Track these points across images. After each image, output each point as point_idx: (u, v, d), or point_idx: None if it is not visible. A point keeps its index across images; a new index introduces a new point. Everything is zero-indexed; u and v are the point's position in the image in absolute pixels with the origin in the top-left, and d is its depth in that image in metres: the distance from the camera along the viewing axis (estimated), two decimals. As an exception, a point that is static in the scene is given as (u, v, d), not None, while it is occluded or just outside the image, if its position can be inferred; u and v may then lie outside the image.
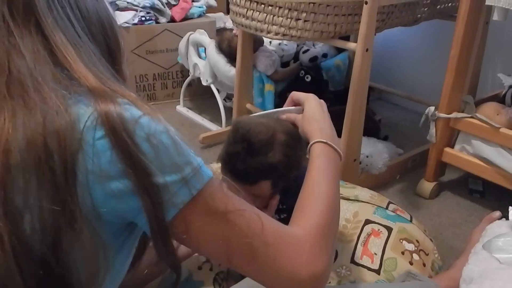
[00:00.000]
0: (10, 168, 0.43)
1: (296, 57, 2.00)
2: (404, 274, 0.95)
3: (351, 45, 1.29)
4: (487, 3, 1.14)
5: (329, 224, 0.59)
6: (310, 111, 0.77)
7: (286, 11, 1.24)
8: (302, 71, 1.88)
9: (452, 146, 1.40)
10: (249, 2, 1.30)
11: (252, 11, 1.31)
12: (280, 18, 1.26)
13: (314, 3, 1.21)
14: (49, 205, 0.43)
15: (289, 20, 1.25)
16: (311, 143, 0.73)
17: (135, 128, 0.46)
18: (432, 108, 1.36)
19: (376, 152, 1.49)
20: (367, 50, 1.24)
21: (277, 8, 1.25)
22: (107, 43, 0.55)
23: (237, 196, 0.53)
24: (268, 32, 1.30)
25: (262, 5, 1.27)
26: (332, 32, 1.29)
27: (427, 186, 1.46)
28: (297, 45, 1.98)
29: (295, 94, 0.82)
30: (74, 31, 0.50)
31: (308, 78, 1.87)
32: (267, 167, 0.82)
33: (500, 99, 1.50)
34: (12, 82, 0.45)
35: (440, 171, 1.47)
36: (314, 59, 1.96)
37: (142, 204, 0.46)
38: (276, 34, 1.29)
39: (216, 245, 0.50)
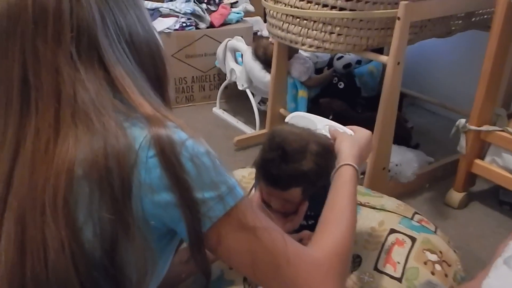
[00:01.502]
0: (73, 186, 0.50)
1: (330, 63, 2.04)
2: (425, 283, 0.99)
3: (383, 58, 1.33)
4: (520, 19, 1.15)
5: (347, 250, 0.63)
6: (359, 137, 0.85)
7: (320, 25, 1.30)
8: (335, 78, 1.92)
9: (483, 158, 1.42)
10: (285, 15, 1.36)
11: (287, 24, 1.37)
12: (314, 32, 1.31)
13: (347, 18, 1.26)
14: (108, 215, 0.50)
15: (322, 33, 1.31)
16: (345, 163, 0.77)
17: (182, 149, 0.52)
18: (463, 120, 1.38)
19: (405, 161, 1.52)
20: (398, 63, 1.28)
21: (312, 22, 1.31)
22: (156, 71, 0.62)
23: (265, 215, 0.59)
24: (303, 45, 1.36)
25: (298, 19, 1.33)
26: (365, 45, 1.33)
27: (456, 196, 1.48)
28: (332, 52, 2.03)
29: (355, 127, 0.90)
30: (130, 63, 0.57)
31: (341, 85, 1.91)
32: (299, 174, 0.88)
33: (535, 112, 1.50)
34: (77, 112, 0.52)
35: (469, 182, 1.49)
36: (348, 65, 1.99)
37: (182, 216, 0.52)
38: (310, 46, 1.34)
39: (243, 258, 0.55)
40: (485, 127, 1.35)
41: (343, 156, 0.79)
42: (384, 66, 2.05)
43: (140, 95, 0.56)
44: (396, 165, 1.51)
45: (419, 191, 1.58)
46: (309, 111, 1.89)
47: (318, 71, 2.01)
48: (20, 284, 0.50)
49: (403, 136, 1.83)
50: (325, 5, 1.25)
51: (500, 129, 1.32)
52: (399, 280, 1.02)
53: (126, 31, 0.58)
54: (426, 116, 2.20)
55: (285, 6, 1.33)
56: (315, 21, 1.29)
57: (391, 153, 1.51)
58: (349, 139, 0.84)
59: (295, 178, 0.88)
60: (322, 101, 1.90)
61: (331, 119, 1.85)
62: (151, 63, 0.61)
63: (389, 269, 1.04)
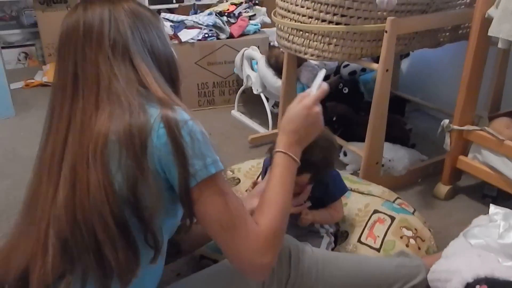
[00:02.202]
0: (107, 146, 0.71)
1: (337, 70, 2.24)
2: (398, 252, 1.18)
3: (374, 65, 1.53)
4: (489, 34, 1.33)
5: (280, 226, 0.81)
6: (289, 123, 0.90)
7: (320, 37, 1.51)
8: (341, 84, 2.12)
9: (466, 155, 1.59)
10: (290, 29, 1.58)
11: (292, 36, 1.58)
12: (315, 43, 1.52)
13: (343, 31, 1.47)
14: (131, 164, 0.71)
15: (322, 44, 1.51)
16: (275, 150, 0.90)
17: (184, 125, 0.73)
18: (446, 121, 1.56)
19: (397, 157, 1.71)
20: (387, 70, 1.48)
21: (313, 35, 1.52)
22: (170, 74, 0.84)
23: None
24: (305, 54, 1.57)
25: (301, 32, 1.54)
26: (359, 54, 1.53)
27: (443, 189, 1.66)
28: (339, 60, 2.23)
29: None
30: (152, 65, 0.80)
31: (346, 90, 2.11)
32: (311, 163, 1.09)
33: (517, 114, 1.66)
34: (111, 95, 0.74)
35: (455, 176, 1.65)
36: (353, 73, 2.19)
37: (177, 172, 0.72)
38: (311, 55, 1.56)
39: (212, 213, 0.75)
40: (466, 127, 1.52)
41: (281, 142, 0.90)
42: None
43: (157, 86, 0.78)
44: (389, 160, 1.69)
45: (411, 185, 1.76)
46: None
47: (326, 77, 2.20)
48: (72, 210, 0.72)
49: (402, 137, 2.01)
50: (323, 20, 1.46)
51: (479, 128, 1.50)
52: (378, 250, 1.21)
53: (148, 44, 0.81)
54: (428, 121, 2.35)
55: (290, 20, 1.55)
56: (315, 34, 1.51)
57: (386, 150, 1.69)
58: (280, 128, 0.93)
59: (308, 166, 1.09)
60: (328, 104, 2.10)
61: (334, 121, 2.05)
62: (167, 69, 0.83)
63: (370, 241, 1.23)
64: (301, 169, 1.09)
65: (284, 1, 1.56)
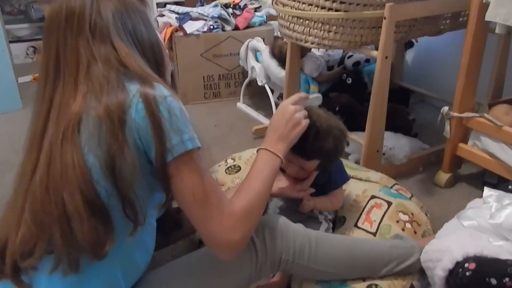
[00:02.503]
0: (83, 123, 0.74)
1: (341, 61, 2.25)
2: (393, 236, 1.19)
3: (373, 53, 1.53)
4: (486, 19, 1.33)
5: (254, 209, 0.85)
6: (271, 123, 1.00)
7: (320, 24, 1.52)
8: (345, 74, 2.13)
9: (466, 142, 1.59)
10: (291, 17, 1.59)
11: (293, 24, 1.60)
12: (315, 30, 1.54)
13: (342, 18, 1.48)
14: (110, 138, 0.73)
15: (322, 32, 1.53)
16: (259, 147, 0.97)
17: (163, 100, 0.75)
18: (446, 108, 1.56)
19: (398, 146, 1.71)
20: (386, 57, 1.48)
21: (313, 22, 1.53)
22: (155, 58, 0.86)
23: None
24: (306, 42, 1.58)
25: (301, 20, 1.56)
26: (359, 42, 1.54)
27: (443, 176, 1.66)
28: (343, 51, 2.24)
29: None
30: (134, 47, 0.82)
31: (349, 81, 2.11)
32: (323, 150, 1.11)
33: (519, 102, 1.66)
34: (90, 76, 0.76)
35: (455, 164, 1.66)
36: (357, 63, 2.19)
37: (154, 145, 0.74)
38: (312, 43, 1.57)
39: (187, 188, 0.78)
40: (465, 114, 1.53)
41: (264, 141, 0.98)
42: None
43: (137, 65, 0.80)
44: (390, 148, 1.70)
45: (412, 173, 1.76)
46: (319, 105, 2.11)
47: (330, 68, 2.22)
48: (45, 184, 0.75)
49: (405, 126, 2.01)
50: (323, 7, 1.47)
51: (478, 115, 1.50)
52: (374, 234, 1.23)
53: (131, 28, 0.83)
54: (432, 112, 2.34)
55: (290, 8, 1.56)
56: (315, 21, 1.52)
57: (387, 138, 1.70)
58: (271, 125, 1.00)
59: (320, 152, 1.11)
60: (331, 95, 2.11)
61: (337, 111, 2.07)
62: (151, 53, 0.85)
63: (366, 226, 1.25)
64: (312, 156, 1.12)
65: (284, -10, 1.57)
